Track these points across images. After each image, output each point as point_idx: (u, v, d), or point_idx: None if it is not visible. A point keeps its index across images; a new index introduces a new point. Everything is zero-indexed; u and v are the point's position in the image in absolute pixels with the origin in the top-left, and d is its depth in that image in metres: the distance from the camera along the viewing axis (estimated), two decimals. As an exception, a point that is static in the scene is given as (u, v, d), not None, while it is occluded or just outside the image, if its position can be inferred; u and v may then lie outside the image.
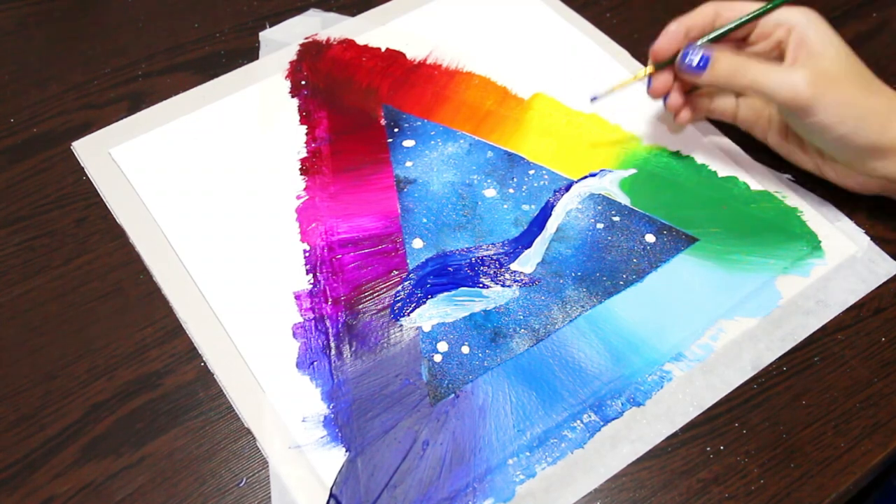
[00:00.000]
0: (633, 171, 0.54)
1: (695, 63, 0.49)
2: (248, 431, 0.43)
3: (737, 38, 0.51)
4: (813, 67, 0.46)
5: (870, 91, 0.47)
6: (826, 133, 0.47)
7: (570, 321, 0.47)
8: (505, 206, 0.52)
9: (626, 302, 0.48)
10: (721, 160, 0.54)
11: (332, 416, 0.43)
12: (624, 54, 0.60)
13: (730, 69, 0.48)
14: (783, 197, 0.52)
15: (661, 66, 0.51)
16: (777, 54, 0.50)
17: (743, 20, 0.50)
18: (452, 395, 0.44)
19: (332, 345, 0.46)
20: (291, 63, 0.60)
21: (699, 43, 0.50)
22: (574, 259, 0.50)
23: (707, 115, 0.54)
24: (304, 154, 0.54)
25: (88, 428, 0.43)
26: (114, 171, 0.53)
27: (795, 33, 0.48)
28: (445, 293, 0.48)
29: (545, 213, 0.52)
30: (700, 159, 0.54)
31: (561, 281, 0.49)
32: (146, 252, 0.50)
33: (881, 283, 0.49)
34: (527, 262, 0.49)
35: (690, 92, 0.53)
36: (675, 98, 0.52)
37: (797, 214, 0.51)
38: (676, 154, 0.55)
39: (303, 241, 0.50)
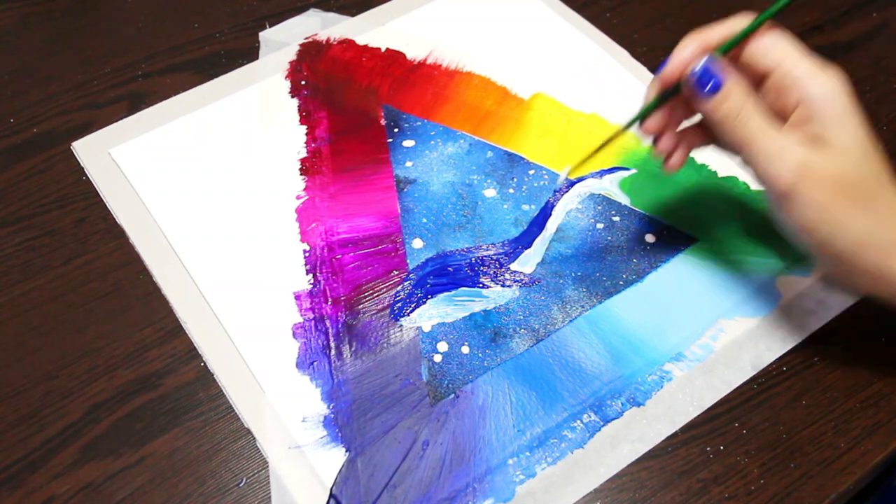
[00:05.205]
0: (633, 170, 0.54)
1: (706, 87, 0.39)
2: (248, 431, 0.43)
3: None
4: (809, 155, 0.38)
5: (863, 207, 0.38)
6: (791, 231, 0.41)
7: (570, 321, 0.47)
8: (505, 206, 0.52)
9: (626, 302, 0.48)
10: (721, 160, 0.54)
11: (332, 416, 0.43)
12: (624, 54, 0.60)
13: (734, 109, 0.39)
14: (783, 197, 0.52)
15: (658, 100, 0.42)
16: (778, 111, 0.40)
17: (760, 19, 0.40)
18: (452, 395, 0.44)
19: (332, 345, 0.46)
20: (291, 63, 0.60)
21: (715, 54, 0.40)
22: (574, 259, 0.50)
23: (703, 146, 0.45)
24: (304, 154, 0.54)
25: (88, 428, 0.43)
26: (114, 171, 0.53)
27: (810, 110, 0.38)
28: (445, 293, 0.48)
29: (545, 213, 0.51)
30: (700, 159, 0.54)
31: (561, 281, 0.49)
32: (146, 252, 0.50)
33: (881, 283, 0.49)
34: (527, 262, 0.49)
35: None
36: (668, 141, 0.43)
37: (797, 214, 0.51)
38: (676, 154, 0.55)
39: (303, 241, 0.50)
